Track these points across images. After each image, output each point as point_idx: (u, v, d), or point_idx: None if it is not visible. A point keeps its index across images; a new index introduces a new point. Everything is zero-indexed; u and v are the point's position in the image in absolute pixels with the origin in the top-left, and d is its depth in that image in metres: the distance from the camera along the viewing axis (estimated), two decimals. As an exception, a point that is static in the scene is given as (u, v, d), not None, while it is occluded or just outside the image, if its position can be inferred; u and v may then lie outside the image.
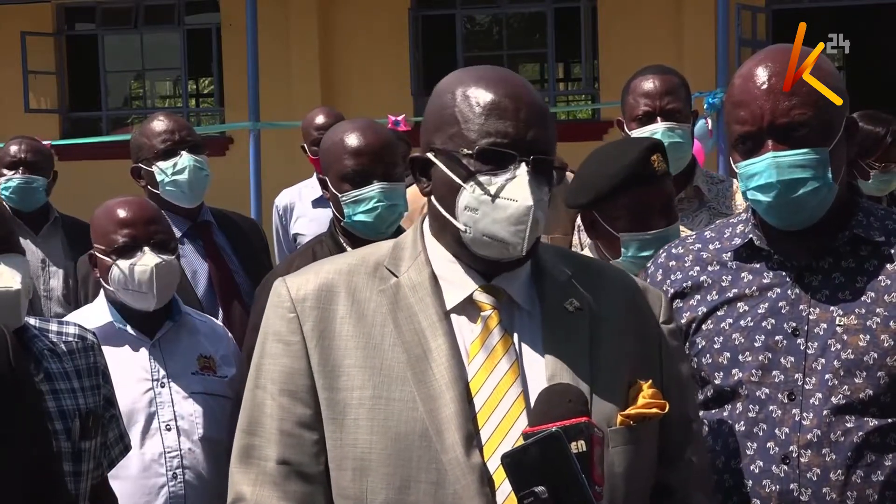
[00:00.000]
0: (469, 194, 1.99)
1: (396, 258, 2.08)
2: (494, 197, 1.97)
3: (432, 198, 2.07)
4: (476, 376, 1.99)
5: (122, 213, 3.48)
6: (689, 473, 2.12)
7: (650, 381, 2.05)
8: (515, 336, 2.03)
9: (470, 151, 1.99)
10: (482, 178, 1.98)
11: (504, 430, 1.96)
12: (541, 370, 2.01)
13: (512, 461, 1.86)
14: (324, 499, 2.01)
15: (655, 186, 3.09)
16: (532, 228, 1.98)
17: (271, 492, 2.01)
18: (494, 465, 1.94)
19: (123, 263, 3.43)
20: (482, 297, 2.03)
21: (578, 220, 4.21)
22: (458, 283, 2.05)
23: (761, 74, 2.35)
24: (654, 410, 2.02)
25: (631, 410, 2.02)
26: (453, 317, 2.03)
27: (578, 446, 1.85)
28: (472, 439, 1.95)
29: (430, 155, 2.05)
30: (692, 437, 2.14)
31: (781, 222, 2.40)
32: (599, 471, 1.88)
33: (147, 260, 3.43)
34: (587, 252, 3.29)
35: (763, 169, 2.34)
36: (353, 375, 2.00)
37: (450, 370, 1.98)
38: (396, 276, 2.05)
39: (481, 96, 2.01)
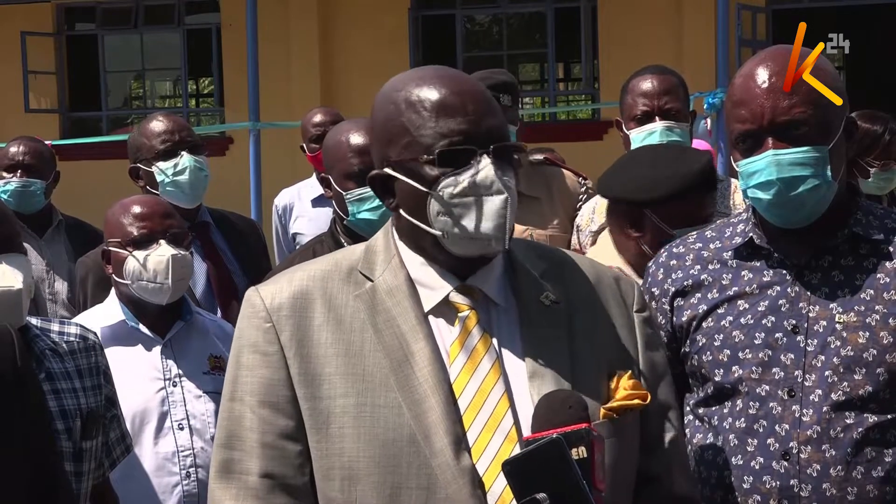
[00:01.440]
0: (439, 199, 1.97)
1: (370, 262, 2.06)
2: (465, 196, 1.96)
3: (401, 211, 2.04)
4: (458, 378, 1.98)
5: (138, 208, 3.52)
6: (670, 460, 2.12)
7: (630, 372, 2.05)
8: (494, 334, 2.02)
9: (430, 157, 1.97)
10: (448, 181, 1.96)
11: (491, 430, 1.95)
12: (521, 367, 2.00)
13: (513, 468, 1.86)
14: None
15: (712, 195, 3.23)
16: (510, 218, 1.97)
17: None
18: (483, 466, 1.94)
19: (140, 254, 3.46)
20: (458, 298, 2.02)
21: (578, 220, 4.22)
22: (434, 286, 2.03)
23: (762, 73, 2.37)
24: (636, 401, 2.02)
25: (613, 403, 2.02)
26: (431, 318, 2.02)
27: (579, 452, 1.86)
28: (460, 442, 1.94)
29: (388, 170, 2.03)
30: (671, 424, 2.13)
31: (781, 220, 2.41)
32: (601, 476, 1.88)
33: (163, 251, 3.46)
34: (595, 251, 3.31)
35: (763, 167, 2.35)
36: (335, 383, 1.98)
37: (433, 374, 1.96)
38: (371, 280, 2.03)
39: (426, 99, 1.99)
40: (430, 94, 1.99)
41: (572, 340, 2.03)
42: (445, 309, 2.03)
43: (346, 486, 1.96)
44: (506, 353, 2.02)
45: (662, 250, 2.64)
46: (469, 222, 1.96)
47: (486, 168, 1.95)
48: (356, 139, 3.43)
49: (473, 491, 1.93)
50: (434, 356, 1.98)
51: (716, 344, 2.44)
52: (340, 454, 1.96)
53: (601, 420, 1.99)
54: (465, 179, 1.96)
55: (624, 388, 2.03)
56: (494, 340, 2.02)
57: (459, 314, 2.02)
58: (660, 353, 2.16)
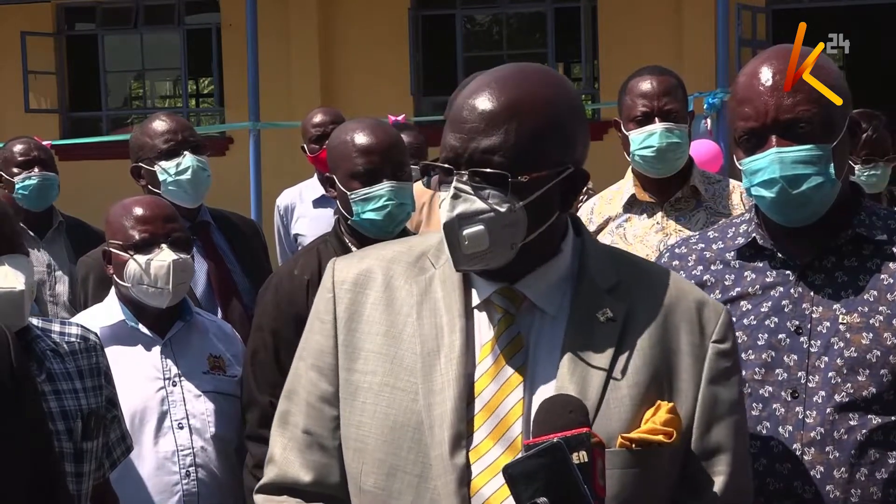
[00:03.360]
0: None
1: (440, 250, 2.08)
2: (441, 209, 2.01)
3: None
4: (482, 377, 1.99)
5: (140, 211, 3.52)
6: None
7: (671, 405, 1.97)
8: (532, 341, 2.01)
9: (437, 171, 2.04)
10: (440, 195, 2.03)
11: (496, 435, 1.95)
12: (550, 378, 1.98)
13: (513, 472, 1.84)
14: (339, 472, 2.06)
15: None
16: (457, 245, 1.98)
17: (296, 457, 2.08)
18: (479, 469, 1.94)
19: (141, 258, 3.46)
20: (498, 300, 2.03)
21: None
22: (481, 284, 2.05)
23: (766, 72, 2.37)
24: (659, 437, 1.95)
25: (633, 434, 1.95)
26: (476, 314, 2.04)
27: (580, 457, 1.84)
28: (460, 439, 1.95)
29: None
30: (721, 468, 2.01)
31: (785, 218, 2.40)
32: (601, 482, 1.86)
33: (164, 256, 3.46)
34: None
35: (766, 164, 2.35)
36: (370, 360, 2.04)
37: (456, 367, 1.98)
38: (435, 268, 2.08)
39: (454, 106, 2.04)
40: (460, 101, 2.03)
41: (616, 361, 1.98)
42: (490, 307, 2.04)
43: (356, 457, 2.03)
44: (540, 362, 2.00)
45: (664, 250, 2.63)
46: (444, 235, 2.02)
47: (450, 190, 1.98)
48: (361, 139, 3.43)
49: (458, 489, 1.94)
50: (464, 351, 2.00)
51: None
52: (358, 426, 2.03)
53: (617, 448, 1.94)
54: (441, 196, 2.01)
55: (653, 422, 1.95)
56: (531, 347, 2.01)
57: (497, 315, 2.03)
58: (728, 390, 2.04)
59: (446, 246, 2.04)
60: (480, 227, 1.97)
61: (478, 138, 1.98)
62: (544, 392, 1.97)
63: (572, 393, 1.94)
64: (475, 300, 2.04)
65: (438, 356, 2.00)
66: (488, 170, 1.97)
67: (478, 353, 2.01)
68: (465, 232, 1.97)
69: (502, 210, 1.97)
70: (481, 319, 2.04)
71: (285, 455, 2.10)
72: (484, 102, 1.99)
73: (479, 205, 1.97)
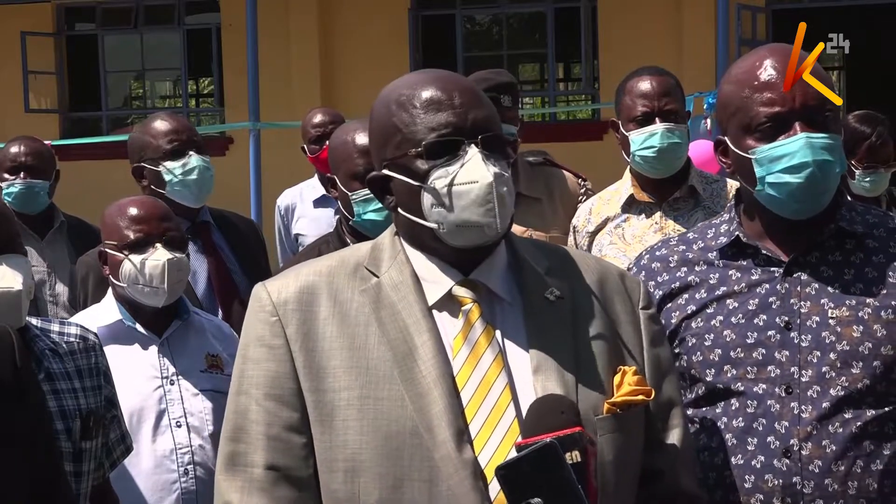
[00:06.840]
0: (431, 192, 2.02)
1: (376, 259, 2.09)
2: (454, 185, 2.00)
3: (399, 209, 2.09)
4: (461, 371, 2.00)
5: (135, 210, 3.53)
6: (676, 456, 2.13)
7: (634, 368, 2.06)
8: (498, 328, 2.05)
9: (419, 150, 2.02)
10: (438, 172, 2.01)
11: (493, 423, 1.97)
12: (525, 361, 2.02)
13: (507, 473, 1.85)
14: (314, 503, 2.01)
15: None
16: (500, 203, 2.00)
17: (260, 499, 2.01)
18: (485, 459, 1.95)
19: (136, 258, 3.47)
20: (461, 292, 2.05)
21: (574, 221, 4.23)
22: (437, 280, 2.06)
23: (773, 62, 2.38)
24: (640, 397, 2.03)
25: (617, 398, 2.02)
26: (435, 313, 2.05)
27: (573, 457, 1.85)
28: (462, 434, 1.96)
29: (385, 171, 2.08)
30: (676, 420, 2.15)
31: (798, 208, 2.40)
32: (595, 481, 1.88)
33: (159, 255, 3.47)
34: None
35: (797, 149, 2.34)
36: (340, 377, 2.00)
37: (436, 367, 1.99)
38: (377, 277, 2.07)
39: (414, 98, 2.05)
40: (419, 92, 2.05)
41: (577, 336, 2.05)
42: (449, 303, 2.05)
43: (348, 479, 1.98)
44: (510, 348, 2.04)
45: (644, 252, 2.64)
46: (461, 211, 2.00)
47: (473, 157, 2.00)
48: (362, 139, 3.43)
49: (475, 483, 1.94)
50: (437, 349, 2.00)
51: (706, 344, 2.44)
52: (344, 446, 1.98)
53: (605, 415, 2.01)
54: (453, 170, 2.00)
55: (628, 384, 2.03)
56: (498, 334, 2.04)
57: (462, 308, 2.04)
58: (665, 349, 2.18)
59: (385, 253, 2.08)
60: (507, 188, 2.02)
61: (473, 110, 2.03)
62: (525, 375, 2.00)
63: (552, 372, 1.99)
64: (430, 300, 2.05)
65: (413, 359, 2.00)
66: (498, 133, 2.04)
67: (450, 349, 2.02)
68: (503, 191, 2.00)
69: (508, 175, 2.04)
70: (443, 317, 2.05)
71: (245, 499, 2.01)
72: (455, 83, 2.07)
73: (501, 166, 2.02)
